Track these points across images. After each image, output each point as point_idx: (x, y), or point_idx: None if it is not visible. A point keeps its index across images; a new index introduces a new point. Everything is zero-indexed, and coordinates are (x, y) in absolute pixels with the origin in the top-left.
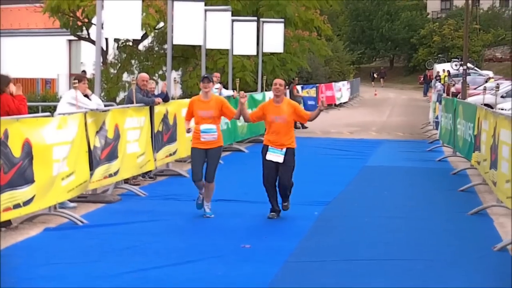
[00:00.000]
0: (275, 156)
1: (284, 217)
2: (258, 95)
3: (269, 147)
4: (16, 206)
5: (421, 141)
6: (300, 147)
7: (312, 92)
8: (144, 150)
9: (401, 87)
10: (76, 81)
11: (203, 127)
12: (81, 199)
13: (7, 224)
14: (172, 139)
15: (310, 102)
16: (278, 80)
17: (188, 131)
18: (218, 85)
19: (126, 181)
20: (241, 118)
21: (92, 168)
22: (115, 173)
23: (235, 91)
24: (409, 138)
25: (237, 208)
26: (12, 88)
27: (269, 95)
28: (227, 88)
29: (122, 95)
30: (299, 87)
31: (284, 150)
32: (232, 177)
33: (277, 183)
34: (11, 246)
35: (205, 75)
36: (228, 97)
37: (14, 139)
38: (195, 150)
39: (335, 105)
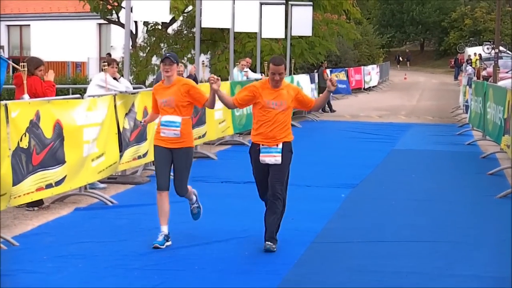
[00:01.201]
0: (271, 157)
1: (311, 199)
2: (286, 79)
3: (261, 146)
4: (49, 186)
5: (451, 125)
6: (328, 130)
7: (341, 75)
8: None
9: (432, 71)
10: (106, 64)
11: (163, 118)
12: (110, 180)
13: (39, 203)
14: (201, 121)
15: (341, 86)
16: (276, 67)
17: (140, 123)
18: (246, 69)
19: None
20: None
21: (121, 149)
22: (144, 155)
23: (263, 74)
24: (439, 122)
25: None
26: (45, 73)
27: (298, 78)
28: (255, 72)
29: (151, 78)
30: (328, 71)
31: (280, 146)
32: None
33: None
34: (43, 225)
35: (167, 54)
36: (256, 81)
37: (45, 120)
38: (156, 148)
39: (364, 89)
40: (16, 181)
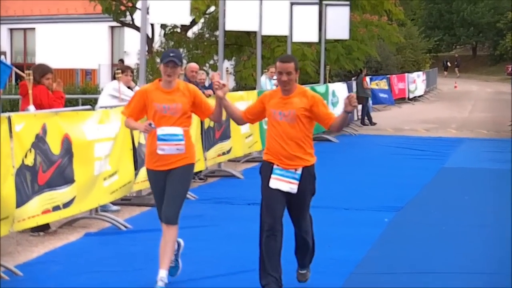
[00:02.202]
0: (284, 182)
1: (350, 224)
2: (320, 87)
3: (274, 166)
4: (56, 208)
5: (508, 140)
6: (369, 146)
7: (382, 84)
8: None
9: (485, 79)
10: (119, 71)
11: (161, 131)
12: (124, 201)
13: (45, 228)
14: (225, 136)
15: (382, 95)
16: (284, 64)
17: (149, 126)
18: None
19: None
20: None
21: (137, 167)
22: None
23: None
24: (495, 136)
25: None
26: (54, 82)
27: (333, 87)
28: None
29: None
30: (367, 79)
31: (299, 171)
32: None
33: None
34: (50, 252)
35: (170, 54)
36: None
37: (53, 134)
38: (152, 174)
39: (409, 98)
40: (20, 202)
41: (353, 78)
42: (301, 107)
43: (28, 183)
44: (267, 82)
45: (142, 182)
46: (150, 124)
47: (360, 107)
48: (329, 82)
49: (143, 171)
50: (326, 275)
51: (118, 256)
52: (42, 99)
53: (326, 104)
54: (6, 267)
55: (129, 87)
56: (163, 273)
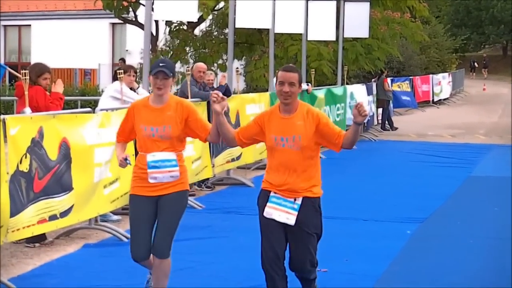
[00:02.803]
0: (280, 212)
1: (369, 236)
2: (337, 90)
3: (271, 194)
4: (52, 217)
5: None
6: (390, 152)
7: (405, 86)
8: (200, 154)
9: None
10: (122, 71)
11: (152, 157)
12: (126, 211)
13: (41, 238)
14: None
15: (404, 98)
16: (288, 73)
17: (125, 161)
18: None
19: None
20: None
21: None
22: None
23: (309, 84)
24: None
25: None
26: (52, 82)
27: (352, 89)
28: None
29: (174, 88)
30: (388, 80)
31: (299, 202)
32: None
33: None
34: (46, 264)
35: (160, 64)
36: (301, 92)
37: (49, 138)
38: (137, 199)
39: (433, 102)
40: (15, 211)
41: (373, 80)
42: (308, 129)
43: (23, 190)
44: None
45: None
46: (125, 159)
47: (380, 110)
48: (347, 83)
49: None
50: None
51: (119, 269)
52: (38, 100)
53: (331, 122)
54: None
55: (131, 89)
56: None
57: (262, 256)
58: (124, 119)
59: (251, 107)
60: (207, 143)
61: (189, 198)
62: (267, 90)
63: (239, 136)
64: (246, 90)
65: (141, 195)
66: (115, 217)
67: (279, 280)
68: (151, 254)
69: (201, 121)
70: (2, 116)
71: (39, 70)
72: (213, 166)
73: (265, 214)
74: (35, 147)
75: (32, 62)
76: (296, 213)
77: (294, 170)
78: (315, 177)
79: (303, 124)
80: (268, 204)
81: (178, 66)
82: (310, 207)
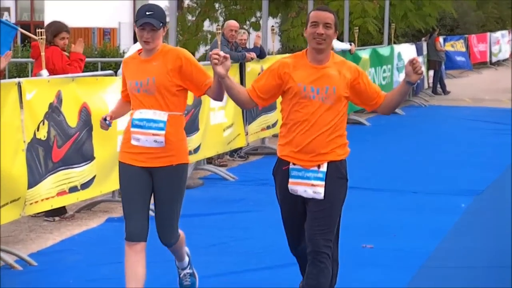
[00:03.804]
0: (307, 186)
1: (420, 210)
2: (383, 50)
3: (291, 166)
4: (73, 189)
5: None
6: (442, 119)
7: (459, 45)
8: (232, 121)
9: None
10: None
11: (138, 114)
12: None
13: (61, 212)
14: (270, 107)
15: (458, 59)
16: (322, 13)
17: (103, 121)
18: None
19: (209, 160)
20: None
21: None
22: (196, 150)
23: (352, 44)
24: None
25: (357, 198)
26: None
27: (399, 49)
28: (342, 40)
29: (202, 49)
30: (440, 39)
31: (324, 169)
32: (349, 157)
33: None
34: (67, 240)
35: (146, 13)
36: (343, 52)
37: (69, 104)
38: (125, 168)
39: (491, 63)
40: (32, 182)
41: (423, 39)
42: (343, 82)
43: (41, 160)
44: None
45: None
46: (104, 119)
47: (431, 73)
48: (395, 43)
49: None
50: (392, 269)
51: (148, 245)
52: (55, 62)
53: (370, 79)
54: (18, 256)
55: None
56: (183, 263)
57: (289, 242)
58: (122, 76)
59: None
60: (240, 109)
61: (219, 168)
62: None
63: (255, 92)
64: (282, 51)
65: (129, 164)
66: None
67: (321, 272)
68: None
69: (199, 73)
70: (17, 80)
71: (56, 29)
72: (247, 134)
73: (290, 190)
74: (53, 113)
75: (46, 21)
76: (323, 183)
77: (321, 129)
78: (341, 136)
79: (337, 74)
80: (290, 179)
81: (207, 25)
82: (336, 175)
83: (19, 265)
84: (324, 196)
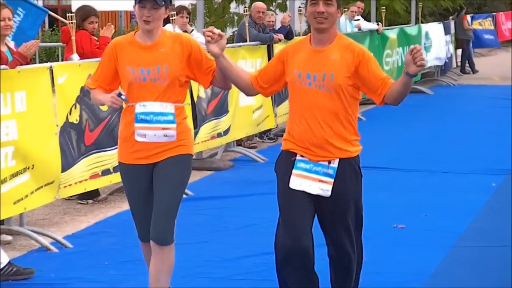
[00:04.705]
0: (311, 181)
1: (450, 190)
2: (411, 29)
3: (298, 157)
4: (106, 172)
5: None
6: (470, 98)
7: (487, 23)
8: (261, 103)
9: None
10: (174, 13)
11: (142, 108)
12: None
13: (94, 195)
14: None
15: (486, 37)
16: None
17: (119, 97)
18: (358, 17)
19: (239, 142)
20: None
21: (196, 125)
22: (225, 132)
23: (379, 24)
24: None
25: (387, 178)
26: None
27: (427, 28)
28: (369, 20)
29: (229, 31)
30: (468, 17)
31: (335, 164)
32: (377, 138)
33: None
34: (101, 222)
35: None
36: (371, 32)
37: None
38: (128, 171)
39: None
40: (66, 166)
41: (451, 17)
42: (343, 68)
43: (74, 143)
44: (347, 24)
45: (203, 143)
46: (119, 95)
47: (459, 52)
48: (422, 22)
49: (203, 130)
50: (424, 249)
51: (179, 226)
52: (84, 46)
53: (379, 66)
54: (54, 239)
55: (185, 31)
56: None
57: (276, 242)
58: (103, 61)
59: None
60: None
61: (249, 150)
62: None
63: (257, 80)
64: (308, 31)
65: (131, 164)
66: None
67: (303, 276)
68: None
69: (207, 60)
70: (49, 64)
71: (85, 13)
72: (276, 116)
73: (291, 185)
74: (85, 96)
75: (73, 6)
76: (332, 180)
77: (323, 119)
78: (351, 130)
79: (339, 58)
80: (294, 171)
81: (233, 7)
82: (348, 171)
83: (55, 247)
84: (337, 197)
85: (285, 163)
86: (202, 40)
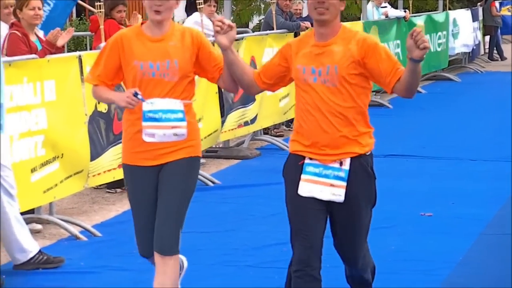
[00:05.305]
0: (322, 186)
1: (477, 177)
2: (438, 16)
3: (306, 161)
4: None
5: None
6: (499, 85)
7: None
8: (288, 91)
9: None
10: (201, 1)
11: (149, 106)
12: (210, 153)
13: (123, 184)
14: None
15: None
16: None
17: (135, 97)
18: (385, 4)
19: (266, 131)
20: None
21: (223, 114)
22: (252, 121)
23: (407, 11)
24: None
25: (414, 166)
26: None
27: (455, 15)
28: (396, 7)
29: (256, 19)
30: (496, 3)
31: (347, 166)
32: (403, 126)
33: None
34: (129, 211)
35: None
36: (398, 20)
37: None
38: (133, 173)
39: None
40: (95, 155)
41: (479, 4)
42: (347, 59)
43: (103, 132)
44: (374, 11)
45: (230, 131)
46: (135, 95)
47: (488, 38)
48: (450, 9)
49: (230, 118)
50: (452, 236)
51: (207, 215)
52: (112, 35)
53: (390, 52)
54: (83, 227)
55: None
56: None
57: (292, 246)
58: (106, 56)
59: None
60: None
61: (276, 139)
62: (359, 19)
63: (259, 76)
64: None
65: (137, 165)
66: (200, 161)
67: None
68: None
69: (215, 57)
70: (78, 53)
71: (113, 2)
72: None
73: (300, 191)
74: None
75: None
76: (345, 184)
77: (330, 118)
78: (362, 124)
79: (342, 50)
80: (303, 176)
81: None
82: (360, 172)
83: (84, 236)
84: (354, 198)
85: (293, 168)
86: None
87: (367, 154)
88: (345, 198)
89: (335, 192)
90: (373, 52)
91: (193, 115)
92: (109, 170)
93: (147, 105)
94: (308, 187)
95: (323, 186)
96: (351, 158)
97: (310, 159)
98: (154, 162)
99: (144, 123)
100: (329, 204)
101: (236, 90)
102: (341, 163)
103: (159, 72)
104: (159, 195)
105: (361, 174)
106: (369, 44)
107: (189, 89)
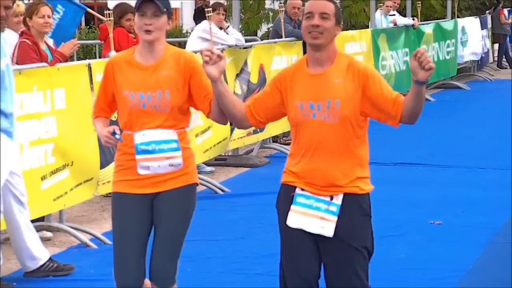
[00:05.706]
0: (311, 218)
1: (487, 185)
2: (447, 24)
3: (297, 191)
4: None
5: None
6: (508, 93)
7: None
8: None
9: None
10: (210, 9)
11: (141, 137)
12: (219, 161)
13: None
14: None
15: None
16: (318, 1)
17: (112, 136)
18: (393, 12)
19: (275, 139)
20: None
21: None
22: (261, 129)
23: (415, 19)
24: None
25: (422, 174)
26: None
27: (463, 23)
28: (404, 15)
29: (264, 27)
30: (505, 12)
31: (338, 201)
32: (413, 133)
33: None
34: None
35: None
36: (406, 28)
37: None
38: (123, 200)
39: None
40: (104, 163)
41: (487, 12)
42: (349, 91)
43: None
44: (382, 20)
45: (239, 139)
46: (113, 133)
47: (496, 46)
48: (458, 17)
49: None
50: (461, 245)
51: (216, 223)
52: (121, 43)
53: (386, 82)
54: (93, 235)
55: (221, 28)
56: None
57: (281, 285)
58: (101, 83)
59: (351, 45)
60: None
61: (285, 147)
62: (367, 27)
63: (250, 111)
64: (344, 27)
65: (127, 193)
66: (209, 169)
67: None
68: (148, 281)
69: (205, 86)
70: (87, 61)
71: (122, 10)
72: None
73: (289, 222)
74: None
75: (109, 3)
76: (335, 218)
77: (330, 154)
78: (361, 164)
79: (342, 82)
80: (292, 207)
81: (268, 3)
82: (355, 209)
83: (94, 244)
84: (346, 236)
85: (284, 199)
86: (238, 36)
87: (365, 194)
88: (335, 234)
89: (324, 226)
90: (373, 83)
91: (187, 141)
92: None
93: (139, 137)
94: (296, 218)
95: (312, 218)
96: (345, 195)
97: (302, 189)
98: (149, 190)
99: (137, 156)
100: (319, 239)
101: (225, 123)
102: (331, 197)
103: (149, 103)
104: (156, 225)
105: (354, 212)
106: (368, 74)
107: (183, 119)
